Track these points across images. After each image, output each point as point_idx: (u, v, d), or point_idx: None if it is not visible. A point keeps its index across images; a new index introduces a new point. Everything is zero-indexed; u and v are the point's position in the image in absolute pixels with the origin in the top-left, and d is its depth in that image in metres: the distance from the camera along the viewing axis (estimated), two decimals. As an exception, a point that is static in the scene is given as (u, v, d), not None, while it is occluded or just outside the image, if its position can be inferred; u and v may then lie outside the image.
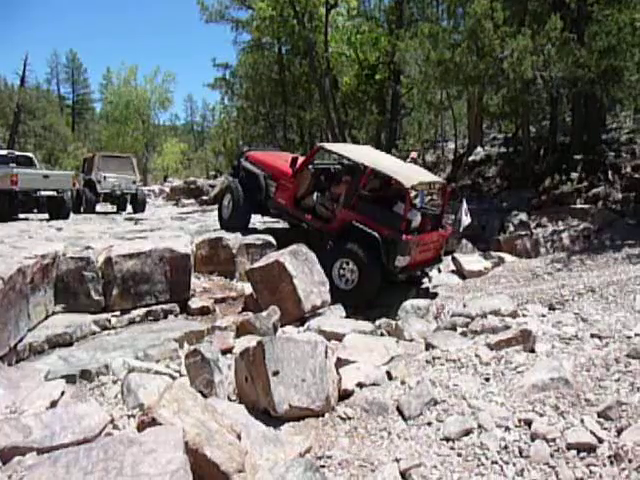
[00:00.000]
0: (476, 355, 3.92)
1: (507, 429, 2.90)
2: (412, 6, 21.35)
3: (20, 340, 4.74)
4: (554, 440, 2.71)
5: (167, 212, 17.25)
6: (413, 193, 9.41)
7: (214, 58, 28.64)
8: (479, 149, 17.28)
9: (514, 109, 13.93)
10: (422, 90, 16.85)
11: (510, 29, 10.88)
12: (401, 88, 21.40)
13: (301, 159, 8.60)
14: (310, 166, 8.52)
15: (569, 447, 2.65)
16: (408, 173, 7.89)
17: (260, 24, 22.52)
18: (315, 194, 8.42)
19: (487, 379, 3.54)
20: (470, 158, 16.77)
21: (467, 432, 2.94)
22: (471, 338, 4.67)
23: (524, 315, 5.53)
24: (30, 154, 14.93)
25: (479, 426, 2.96)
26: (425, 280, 8.69)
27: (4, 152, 14.00)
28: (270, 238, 8.16)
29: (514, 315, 5.47)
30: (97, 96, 55.15)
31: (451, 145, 19.91)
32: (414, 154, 12.83)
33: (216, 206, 10.84)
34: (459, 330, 5.14)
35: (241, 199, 8.75)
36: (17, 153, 14.11)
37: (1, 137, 40.43)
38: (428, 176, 8.71)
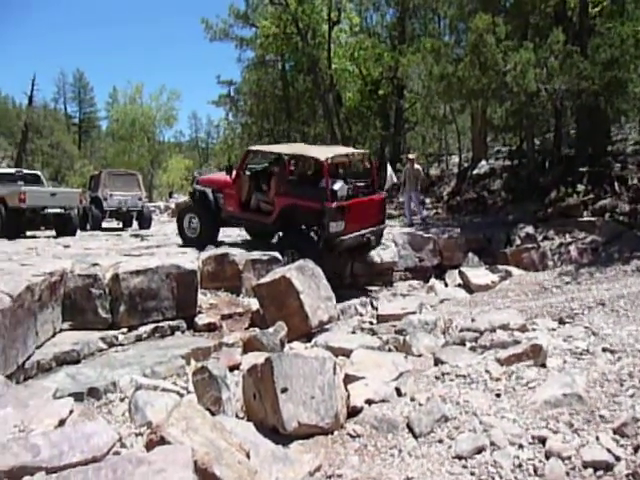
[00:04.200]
0: (486, 371, 3.87)
1: (520, 447, 2.85)
2: (414, 22, 21.59)
3: (28, 358, 4.74)
4: (569, 458, 2.65)
5: (173, 228, 17.23)
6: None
7: (219, 75, 29.39)
8: (483, 162, 17.25)
9: (518, 122, 13.96)
10: (425, 104, 17.04)
11: (512, 43, 10.94)
12: (404, 103, 21.50)
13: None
14: (246, 170, 9.20)
15: (585, 465, 2.60)
16: (325, 150, 8.91)
17: (264, 42, 22.76)
18: (255, 193, 9.04)
19: (498, 395, 3.49)
20: (474, 171, 16.75)
21: (479, 450, 2.89)
22: (480, 353, 4.61)
23: (534, 329, 5.47)
24: (38, 172, 15.04)
25: (492, 443, 2.90)
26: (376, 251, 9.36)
27: (12, 170, 14.17)
28: (276, 254, 8.14)
29: (523, 329, 5.41)
30: (103, 114, 55.52)
31: (455, 159, 19.92)
32: (412, 155, 13.26)
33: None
34: (468, 345, 5.08)
35: (205, 217, 9.24)
36: (25, 171, 14.19)
37: (9, 155, 40.91)
38: (345, 149, 9.91)
